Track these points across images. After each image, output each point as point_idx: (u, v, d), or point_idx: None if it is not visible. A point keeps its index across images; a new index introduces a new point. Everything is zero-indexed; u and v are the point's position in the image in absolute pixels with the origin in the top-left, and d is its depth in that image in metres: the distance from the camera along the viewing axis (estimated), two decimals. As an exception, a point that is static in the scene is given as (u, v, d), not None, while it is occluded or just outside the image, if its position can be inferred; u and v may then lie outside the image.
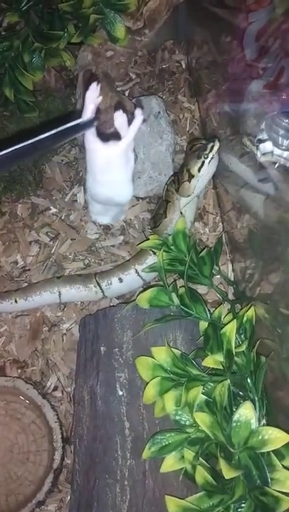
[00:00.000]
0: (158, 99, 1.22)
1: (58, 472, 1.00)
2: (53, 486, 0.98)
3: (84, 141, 0.73)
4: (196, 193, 1.06)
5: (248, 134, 0.87)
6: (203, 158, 1.01)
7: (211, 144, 1.01)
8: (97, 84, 0.70)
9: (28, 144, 0.64)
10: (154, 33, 1.24)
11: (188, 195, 1.03)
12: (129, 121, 0.72)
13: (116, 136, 0.71)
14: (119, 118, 0.71)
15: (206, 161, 1.01)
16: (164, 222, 1.05)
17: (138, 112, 0.71)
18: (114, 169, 0.75)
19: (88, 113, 0.70)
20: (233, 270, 1.16)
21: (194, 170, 1.01)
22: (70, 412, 1.06)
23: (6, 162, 0.60)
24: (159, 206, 1.12)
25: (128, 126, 0.71)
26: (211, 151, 1.01)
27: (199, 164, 1.01)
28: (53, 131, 0.66)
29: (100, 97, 0.70)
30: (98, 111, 0.70)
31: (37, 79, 1.19)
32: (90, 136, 0.71)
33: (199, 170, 1.01)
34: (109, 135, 0.72)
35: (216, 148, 1.01)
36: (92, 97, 0.70)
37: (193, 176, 1.01)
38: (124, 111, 0.73)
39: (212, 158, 1.01)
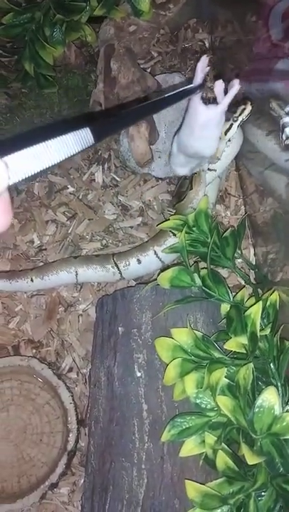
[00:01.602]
0: (181, 77, 1.19)
1: (72, 454, 0.98)
2: (66, 468, 0.97)
3: (189, 102, 0.89)
4: (221, 168, 1.02)
5: (276, 98, 0.83)
6: (232, 121, 0.95)
7: (242, 106, 0.96)
8: (207, 56, 0.85)
9: (147, 104, 0.71)
10: (179, 8, 1.21)
11: (218, 159, 0.99)
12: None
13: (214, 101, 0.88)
14: (219, 86, 0.86)
15: (235, 124, 0.95)
16: (190, 195, 1.00)
17: (235, 82, 0.85)
18: (210, 127, 0.90)
19: (198, 80, 0.84)
20: (255, 254, 1.13)
21: (222, 132, 0.96)
22: (85, 394, 1.04)
23: (123, 122, 0.63)
24: (181, 184, 1.08)
25: (224, 95, 0.86)
26: (241, 114, 0.96)
27: (227, 126, 0.96)
28: (168, 94, 0.74)
29: (209, 68, 0.85)
30: (205, 79, 0.86)
31: (57, 53, 1.16)
32: (196, 99, 0.87)
33: (226, 133, 0.96)
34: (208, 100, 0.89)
35: (246, 111, 0.96)
36: (202, 67, 0.84)
37: (220, 139, 0.97)
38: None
39: (242, 121, 0.96)
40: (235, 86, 0.86)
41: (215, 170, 1.02)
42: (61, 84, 1.21)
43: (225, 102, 0.87)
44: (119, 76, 1.10)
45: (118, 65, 1.11)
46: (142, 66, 1.29)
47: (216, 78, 0.89)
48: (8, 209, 0.37)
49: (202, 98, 0.88)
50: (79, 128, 0.41)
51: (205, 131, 0.92)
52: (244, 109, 0.96)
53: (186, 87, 0.82)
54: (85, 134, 0.42)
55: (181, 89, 0.81)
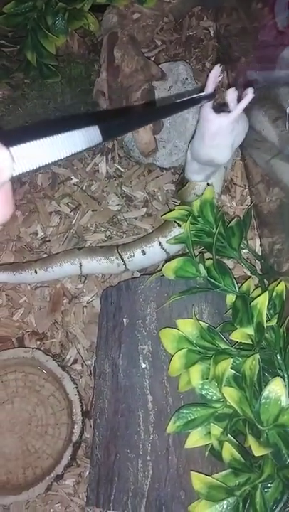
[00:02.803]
0: (185, 65, 1.17)
1: (77, 446, 0.97)
2: (71, 459, 0.96)
3: (200, 111, 0.89)
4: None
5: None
6: None
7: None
8: (220, 66, 0.86)
9: (157, 108, 0.72)
10: (183, -5, 1.19)
11: None
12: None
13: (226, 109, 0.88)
14: (231, 94, 0.85)
15: None
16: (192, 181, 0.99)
17: (250, 91, 0.85)
18: (221, 135, 0.90)
19: (209, 89, 0.85)
20: (261, 245, 1.12)
21: None
22: (90, 386, 1.03)
23: (132, 124, 0.62)
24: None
25: (236, 102, 0.86)
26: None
27: None
28: (179, 100, 0.77)
29: (221, 76, 0.86)
30: (216, 88, 0.86)
31: (60, 42, 1.14)
32: (207, 108, 0.87)
33: None
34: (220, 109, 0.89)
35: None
36: (215, 76, 0.85)
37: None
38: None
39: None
40: (249, 94, 0.85)
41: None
42: (64, 74, 1.20)
43: (237, 110, 0.86)
44: (122, 65, 1.08)
45: (121, 53, 1.09)
46: (145, 55, 1.28)
47: (219, 64, 0.86)
48: (10, 200, 0.37)
49: (213, 107, 0.88)
50: (88, 125, 0.41)
51: (216, 140, 0.91)
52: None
53: (197, 95, 0.83)
54: (93, 132, 0.41)
55: (191, 96, 0.82)
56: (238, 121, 0.91)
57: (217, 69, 0.85)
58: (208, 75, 0.86)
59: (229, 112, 0.87)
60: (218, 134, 0.90)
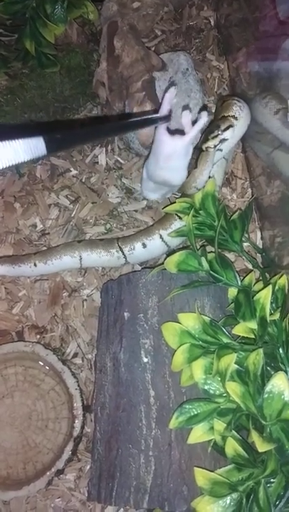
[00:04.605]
0: (186, 55, 1.15)
1: (78, 441, 0.97)
2: (72, 454, 0.96)
3: (155, 132, 0.91)
4: (228, 148, 1.00)
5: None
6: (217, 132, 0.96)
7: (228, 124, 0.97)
8: (175, 88, 0.88)
9: (109, 125, 0.73)
10: (184, -17, 1.17)
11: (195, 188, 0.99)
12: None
13: (181, 132, 0.89)
14: (186, 117, 0.87)
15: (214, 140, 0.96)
16: (194, 174, 0.97)
17: (204, 114, 0.87)
18: (176, 157, 0.91)
19: (164, 111, 0.88)
20: (262, 238, 1.11)
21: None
22: (91, 380, 1.02)
23: (80, 138, 0.62)
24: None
25: (191, 124, 0.87)
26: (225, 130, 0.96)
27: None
28: (132, 119, 0.84)
29: (175, 100, 0.89)
30: (171, 111, 0.89)
31: (59, 31, 1.13)
32: (162, 129, 0.88)
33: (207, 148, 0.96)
34: (175, 130, 0.90)
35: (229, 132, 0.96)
36: (170, 99, 0.88)
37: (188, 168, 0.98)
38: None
39: (222, 141, 0.96)
40: (204, 117, 0.87)
41: (221, 150, 1.00)
42: (63, 64, 1.17)
43: (192, 133, 0.87)
44: (122, 54, 1.06)
45: (122, 43, 1.07)
46: (145, 45, 1.26)
47: (174, 87, 0.90)
48: None
49: (168, 128, 0.89)
50: (32, 136, 0.39)
51: (171, 162, 0.92)
52: (230, 127, 0.95)
53: (151, 116, 0.88)
54: (37, 143, 0.39)
55: (146, 117, 0.87)
56: (192, 143, 0.91)
57: (172, 91, 0.87)
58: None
59: (184, 134, 0.88)
60: (173, 156, 0.91)
